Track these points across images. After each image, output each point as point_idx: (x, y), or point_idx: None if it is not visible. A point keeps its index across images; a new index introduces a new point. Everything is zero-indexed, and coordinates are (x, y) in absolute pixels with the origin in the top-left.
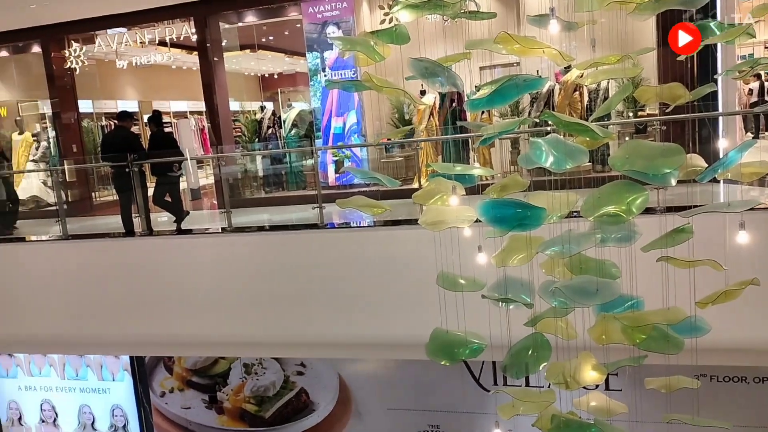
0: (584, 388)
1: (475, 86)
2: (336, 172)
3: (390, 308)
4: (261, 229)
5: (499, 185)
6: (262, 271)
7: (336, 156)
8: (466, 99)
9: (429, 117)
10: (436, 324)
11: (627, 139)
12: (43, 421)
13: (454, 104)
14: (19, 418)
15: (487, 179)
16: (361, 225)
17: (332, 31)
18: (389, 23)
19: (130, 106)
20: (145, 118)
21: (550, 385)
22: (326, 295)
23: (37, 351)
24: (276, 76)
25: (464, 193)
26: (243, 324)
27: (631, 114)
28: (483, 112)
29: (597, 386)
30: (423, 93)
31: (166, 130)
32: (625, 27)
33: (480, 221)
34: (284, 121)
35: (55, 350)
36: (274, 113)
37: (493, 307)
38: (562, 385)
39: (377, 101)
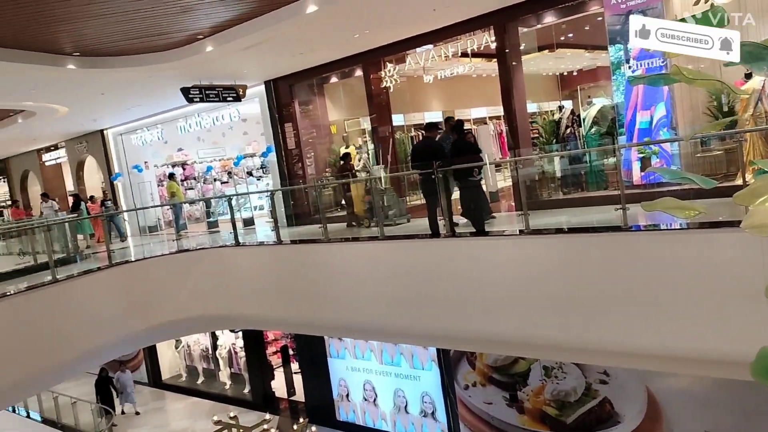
0: None
1: None
2: (642, 170)
3: (705, 319)
4: (559, 231)
5: None
6: (560, 273)
7: (642, 152)
8: None
9: (757, 103)
10: (763, 341)
11: None
12: (365, 400)
13: None
14: (347, 395)
15: None
16: (672, 227)
17: None
18: (705, 3)
19: (435, 116)
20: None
21: None
22: (631, 301)
23: (360, 337)
24: (575, 73)
25: None
26: (542, 326)
27: None
28: None
29: None
30: (748, 76)
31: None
32: None
33: None
34: (584, 120)
35: (375, 337)
36: (572, 112)
37: None
38: None
39: (689, 90)
